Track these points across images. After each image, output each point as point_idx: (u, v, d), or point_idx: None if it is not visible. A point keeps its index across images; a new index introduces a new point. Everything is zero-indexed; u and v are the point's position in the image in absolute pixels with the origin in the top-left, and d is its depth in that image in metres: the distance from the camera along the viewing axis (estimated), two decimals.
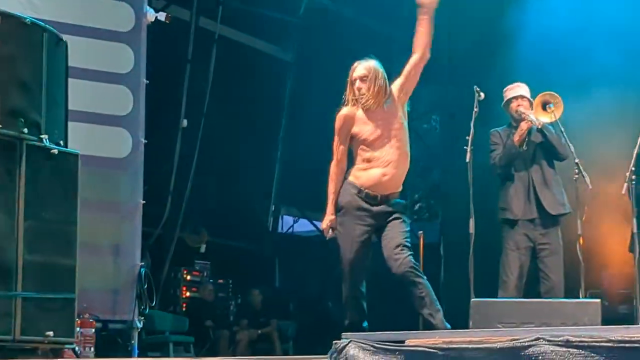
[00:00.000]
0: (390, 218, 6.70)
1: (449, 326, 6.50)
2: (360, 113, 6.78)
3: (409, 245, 6.63)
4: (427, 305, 6.51)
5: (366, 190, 6.68)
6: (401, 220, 6.70)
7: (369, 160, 6.74)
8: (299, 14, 14.99)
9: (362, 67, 6.79)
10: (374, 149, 6.73)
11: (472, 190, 7.77)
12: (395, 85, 6.83)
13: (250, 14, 14.11)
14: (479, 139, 8.15)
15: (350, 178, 6.79)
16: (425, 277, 6.61)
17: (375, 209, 6.70)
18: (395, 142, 6.71)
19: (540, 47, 11.48)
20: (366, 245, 6.77)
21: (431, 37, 6.79)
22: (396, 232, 6.62)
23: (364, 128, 6.74)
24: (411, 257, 6.55)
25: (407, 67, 6.83)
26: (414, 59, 6.81)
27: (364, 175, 6.73)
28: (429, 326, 6.48)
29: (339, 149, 6.89)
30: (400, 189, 6.82)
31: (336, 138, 6.90)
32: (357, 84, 6.76)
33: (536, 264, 8.17)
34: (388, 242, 6.61)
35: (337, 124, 6.87)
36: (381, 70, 6.78)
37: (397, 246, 6.55)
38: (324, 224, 6.90)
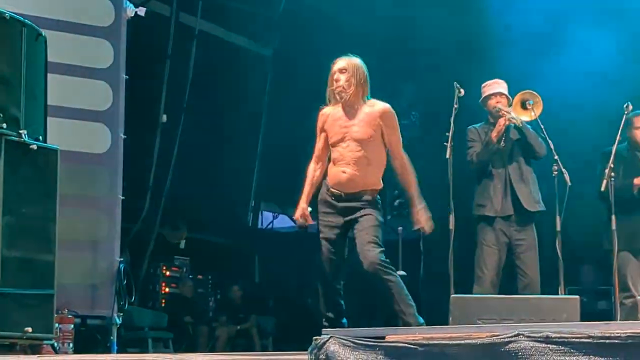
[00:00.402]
0: (359, 214, 6.68)
1: (421, 321, 6.50)
2: (338, 112, 6.80)
3: (379, 241, 6.58)
4: (397, 302, 6.50)
5: (332, 189, 6.72)
6: (369, 215, 6.65)
7: (334, 160, 6.78)
8: (279, 9, 14.96)
9: (343, 61, 6.81)
10: (337, 149, 6.75)
11: (452, 186, 7.79)
12: (389, 131, 6.79)
13: (230, 9, 14.09)
14: (459, 135, 8.17)
15: (327, 177, 6.85)
16: (396, 273, 6.57)
17: (340, 205, 6.71)
18: (358, 148, 6.67)
19: (520, 43, 11.51)
20: (338, 242, 6.76)
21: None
22: (364, 230, 6.59)
23: (332, 129, 6.79)
24: (381, 253, 6.52)
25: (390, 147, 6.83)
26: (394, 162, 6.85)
27: (330, 173, 6.78)
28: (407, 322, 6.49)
29: (317, 146, 6.95)
30: (368, 187, 6.73)
31: (317, 136, 6.95)
32: (336, 75, 6.77)
33: (512, 261, 8.20)
34: (358, 241, 6.60)
35: (318, 122, 6.93)
36: (362, 67, 6.78)
37: (367, 243, 6.53)
38: (296, 214, 6.94)
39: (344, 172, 6.68)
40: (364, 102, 6.77)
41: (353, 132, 6.70)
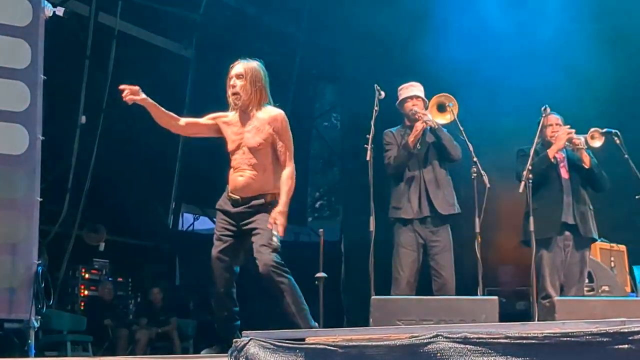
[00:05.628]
0: (253, 219, 6.63)
1: (314, 324, 6.48)
2: (234, 118, 6.77)
3: (274, 243, 6.52)
4: (289, 305, 6.44)
5: (230, 194, 6.69)
6: (263, 219, 6.57)
7: (232, 167, 6.75)
8: (200, 10, 14.91)
9: (241, 65, 6.73)
10: (234, 156, 6.73)
11: (372, 188, 7.81)
12: (278, 139, 6.70)
13: (150, 10, 13.99)
14: (380, 137, 8.20)
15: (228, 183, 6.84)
16: (289, 276, 6.50)
17: (233, 210, 6.68)
18: (251, 155, 6.64)
19: (441, 46, 11.60)
20: (231, 247, 6.73)
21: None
22: (259, 233, 6.54)
23: (230, 137, 6.78)
24: (274, 255, 6.45)
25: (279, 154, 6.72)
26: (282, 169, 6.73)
27: (230, 179, 6.75)
28: (328, 324, 6.48)
29: (198, 118, 7.09)
30: (265, 191, 6.66)
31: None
32: (232, 81, 6.72)
33: (427, 262, 8.26)
34: (254, 244, 6.54)
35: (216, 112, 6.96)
36: (261, 72, 6.71)
37: (260, 246, 6.48)
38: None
39: (241, 176, 6.65)
40: (260, 108, 6.70)
41: (245, 140, 6.67)
